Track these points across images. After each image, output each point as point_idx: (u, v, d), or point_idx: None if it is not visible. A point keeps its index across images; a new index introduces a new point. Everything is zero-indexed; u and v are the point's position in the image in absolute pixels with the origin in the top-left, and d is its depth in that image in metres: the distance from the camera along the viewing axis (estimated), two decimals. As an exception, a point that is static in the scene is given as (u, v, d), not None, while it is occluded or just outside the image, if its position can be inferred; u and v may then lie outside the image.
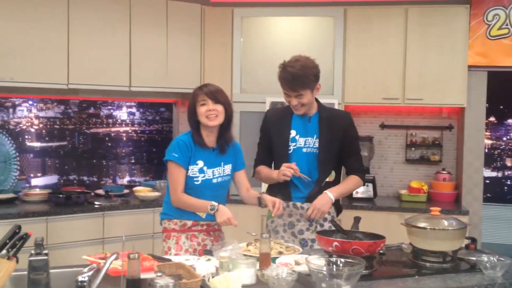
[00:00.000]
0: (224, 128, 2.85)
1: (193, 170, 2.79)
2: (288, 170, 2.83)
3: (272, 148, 3.03)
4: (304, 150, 2.95)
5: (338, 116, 3.02)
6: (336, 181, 3.03)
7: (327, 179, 2.98)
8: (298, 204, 2.97)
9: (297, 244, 2.89)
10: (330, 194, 2.87)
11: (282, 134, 2.97)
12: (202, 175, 2.80)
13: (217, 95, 2.79)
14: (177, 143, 2.80)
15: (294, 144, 2.96)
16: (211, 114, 2.76)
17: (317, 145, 2.94)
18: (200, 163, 2.80)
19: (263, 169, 3.05)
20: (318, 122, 2.96)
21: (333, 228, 2.89)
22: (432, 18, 4.62)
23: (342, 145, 2.96)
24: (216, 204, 2.70)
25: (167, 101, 5.31)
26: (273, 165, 3.10)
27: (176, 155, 2.76)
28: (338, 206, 3.08)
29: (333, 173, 3.01)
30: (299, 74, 2.77)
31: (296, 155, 2.95)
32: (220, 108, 2.78)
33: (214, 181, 2.83)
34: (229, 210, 2.72)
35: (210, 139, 2.84)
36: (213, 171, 2.83)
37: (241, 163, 2.98)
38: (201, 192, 2.79)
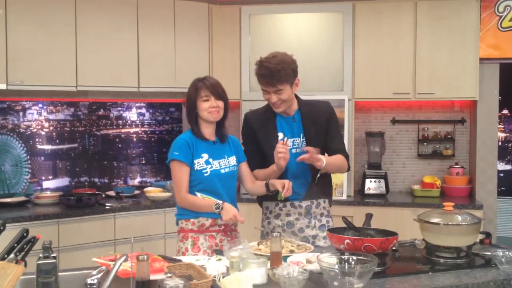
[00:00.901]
0: (221, 122, 2.86)
1: (200, 163, 2.77)
2: (281, 148, 2.74)
3: (261, 151, 2.96)
4: (294, 151, 2.92)
5: (319, 108, 2.98)
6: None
7: (318, 175, 2.95)
8: (296, 203, 2.95)
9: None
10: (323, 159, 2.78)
11: (270, 137, 2.92)
12: (209, 166, 2.78)
13: (219, 91, 2.79)
14: (177, 142, 2.80)
15: None
16: (214, 110, 2.76)
17: (305, 143, 2.92)
18: (205, 156, 2.78)
19: (258, 172, 2.98)
20: (301, 120, 2.93)
21: (332, 223, 2.89)
22: (442, 11, 4.56)
23: (326, 133, 2.94)
24: (220, 202, 2.69)
25: (176, 101, 5.31)
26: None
27: (177, 153, 2.74)
28: (329, 196, 3.06)
29: None
30: (277, 69, 2.73)
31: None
32: (221, 104, 2.79)
33: (223, 171, 2.81)
34: (234, 208, 2.70)
35: (209, 131, 2.84)
36: (219, 162, 2.81)
37: (242, 156, 2.96)
38: (211, 184, 2.77)
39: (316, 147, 2.84)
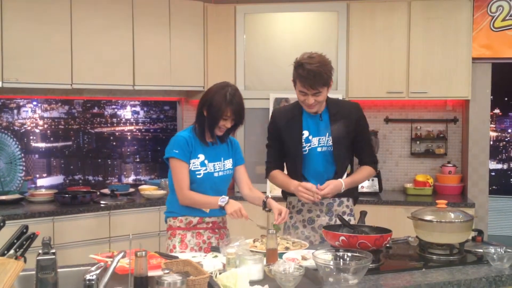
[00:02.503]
0: (227, 131, 2.83)
1: (195, 163, 2.77)
2: (306, 193, 2.77)
3: (284, 149, 2.98)
4: (319, 149, 2.91)
5: (348, 109, 2.97)
6: (350, 173, 3.04)
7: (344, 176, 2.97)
8: None
9: (318, 239, 2.91)
10: (342, 182, 2.86)
11: (294, 135, 2.92)
12: (204, 168, 2.78)
13: (242, 116, 2.76)
14: (176, 139, 2.78)
15: (308, 144, 2.91)
16: (224, 129, 2.77)
17: (330, 142, 2.90)
18: (201, 157, 2.78)
19: (279, 175, 2.98)
20: (329, 119, 2.92)
21: (353, 222, 2.90)
22: (435, 11, 4.60)
23: (354, 138, 2.95)
24: (226, 197, 2.71)
25: (171, 99, 5.32)
26: (285, 165, 3.06)
27: (177, 151, 2.74)
28: (355, 195, 3.09)
29: (348, 167, 3.02)
30: (319, 72, 2.70)
31: (312, 156, 2.92)
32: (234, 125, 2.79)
33: (216, 175, 2.82)
34: (238, 203, 2.71)
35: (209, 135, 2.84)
36: (214, 165, 2.81)
37: (240, 158, 2.95)
38: (202, 186, 2.78)
39: (341, 149, 2.89)
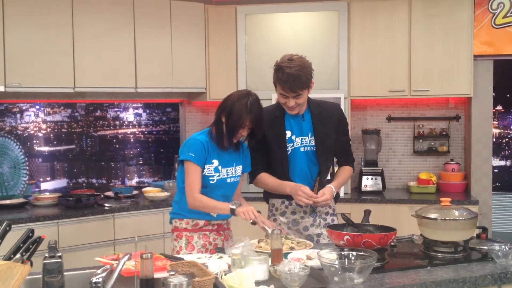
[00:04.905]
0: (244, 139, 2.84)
1: (209, 169, 2.75)
2: (305, 198, 2.78)
3: (268, 151, 2.98)
4: (302, 149, 2.95)
5: (330, 110, 3.01)
6: (332, 172, 3.09)
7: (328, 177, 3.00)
8: None
9: None
10: (333, 188, 2.91)
11: (278, 135, 2.94)
12: (218, 174, 2.77)
13: (261, 127, 2.75)
14: (194, 142, 2.74)
15: (291, 144, 2.94)
16: (240, 137, 2.78)
17: (313, 142, 2.94)
18: (215, 162, 2.77)
19: (269, 179, 2.96)
20: (311, 120, 2.95)
21: (337, 222, 2.92)
22: (436, 8, 4.60)
23: (336, 138, 2.99)
24: (238, 202, 2.71)
25: (173, 101, 5.33)
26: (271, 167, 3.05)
27: (193, 155, 2.71)
28: (336, 195, 3.11)
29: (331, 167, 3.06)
30: (298, 75, 2.73)
31: (295, 156, 2.94)
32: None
33: (228, 180, 2.82)
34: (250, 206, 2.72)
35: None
36: (227, 170, 2.81)
37: (248, 166, 2.95)
38: (213, 191, 2.78)
39: (324, 149, 2.92)
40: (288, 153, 2.94)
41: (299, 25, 4.87)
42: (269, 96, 4.70)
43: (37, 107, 4.70)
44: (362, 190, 4.77)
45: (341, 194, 4.59)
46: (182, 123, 5.38)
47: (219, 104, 2.77)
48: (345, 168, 3.07)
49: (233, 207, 2.67)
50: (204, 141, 2.75)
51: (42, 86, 4.22)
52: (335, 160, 3.16)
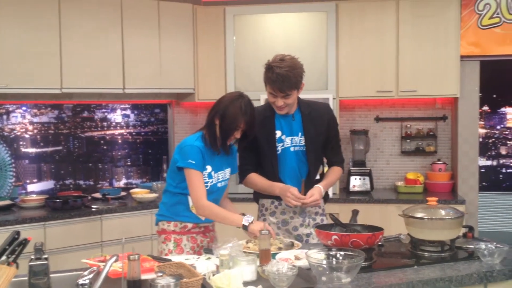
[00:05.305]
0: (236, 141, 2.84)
1: (204, 175, 2.73)
2: (293, 200, 2.78)
3: (258, 150, 2.97)
4: (292, 149, 2.95)
5: (320, 110, 3.02)
6: (322, 173, 3.10)
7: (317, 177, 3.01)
8: None
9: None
10: (321, 187, 2.90)
11: (268, 135, 2.94)
12: (211, 180, 2.76)
13: (254, 127, 2.75)
14: (192, 149, 2.69)
15: (281, 144, 2.94)
16: (233, 139, 2.77)
17: (303, 142, 2.95)
18: (209, 168, 2.75)
19: (258, 180, 2.96)
20: (301, 119, 2.96)
21: (326, 221, 2.93)
22: (423, 9, 4.63)
23: (326, 138, 3.00)
24: (252, 216, 2.64)
25: (162, 102, 5.31)
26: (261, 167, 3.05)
27: (194, 162, 2.67)
28: (326, 195, 3.11)
29: (320, 167, 3.06)
30: (288, 76, 2.74)
31: (285, 155, 2.95)
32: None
33: (219, 185, 2.81)
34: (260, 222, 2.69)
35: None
36: (218, 174, 2.80)
37: (235, 168, 2.94)
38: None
39: (314, 147, 2.93)
40: (278, 152, 2.94)
41: (287, 26, 4.87)
42: (257, 97, 4.70)
43: (24, 108, 4.67)
44: (350, 190, 4.79)
45: (330, 195, 4.61)
46: (171, 124, 5.36)
47: (212, 107, 2.76)
48: (334, 169, 3.08)
49: (246, 224, 2.60)
50: (201, 147, 2.72)
51: (29, 87, 4.19)
52: (324, 160, 3.16)
